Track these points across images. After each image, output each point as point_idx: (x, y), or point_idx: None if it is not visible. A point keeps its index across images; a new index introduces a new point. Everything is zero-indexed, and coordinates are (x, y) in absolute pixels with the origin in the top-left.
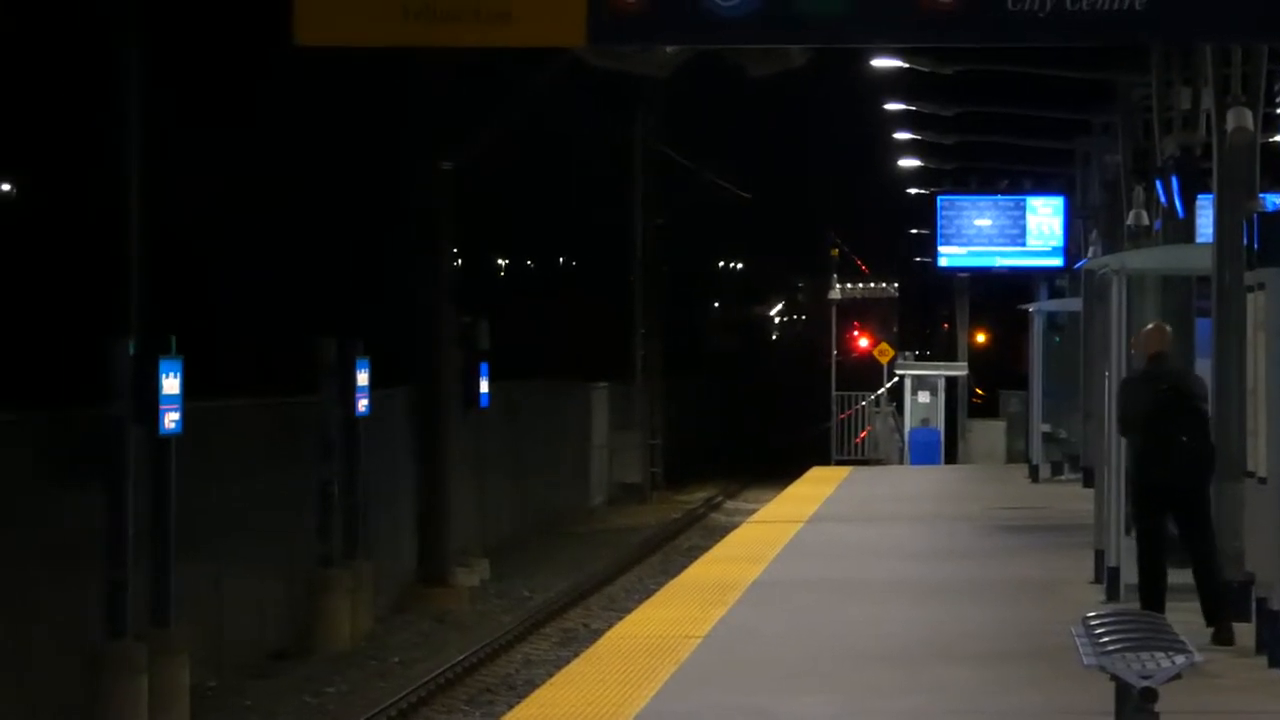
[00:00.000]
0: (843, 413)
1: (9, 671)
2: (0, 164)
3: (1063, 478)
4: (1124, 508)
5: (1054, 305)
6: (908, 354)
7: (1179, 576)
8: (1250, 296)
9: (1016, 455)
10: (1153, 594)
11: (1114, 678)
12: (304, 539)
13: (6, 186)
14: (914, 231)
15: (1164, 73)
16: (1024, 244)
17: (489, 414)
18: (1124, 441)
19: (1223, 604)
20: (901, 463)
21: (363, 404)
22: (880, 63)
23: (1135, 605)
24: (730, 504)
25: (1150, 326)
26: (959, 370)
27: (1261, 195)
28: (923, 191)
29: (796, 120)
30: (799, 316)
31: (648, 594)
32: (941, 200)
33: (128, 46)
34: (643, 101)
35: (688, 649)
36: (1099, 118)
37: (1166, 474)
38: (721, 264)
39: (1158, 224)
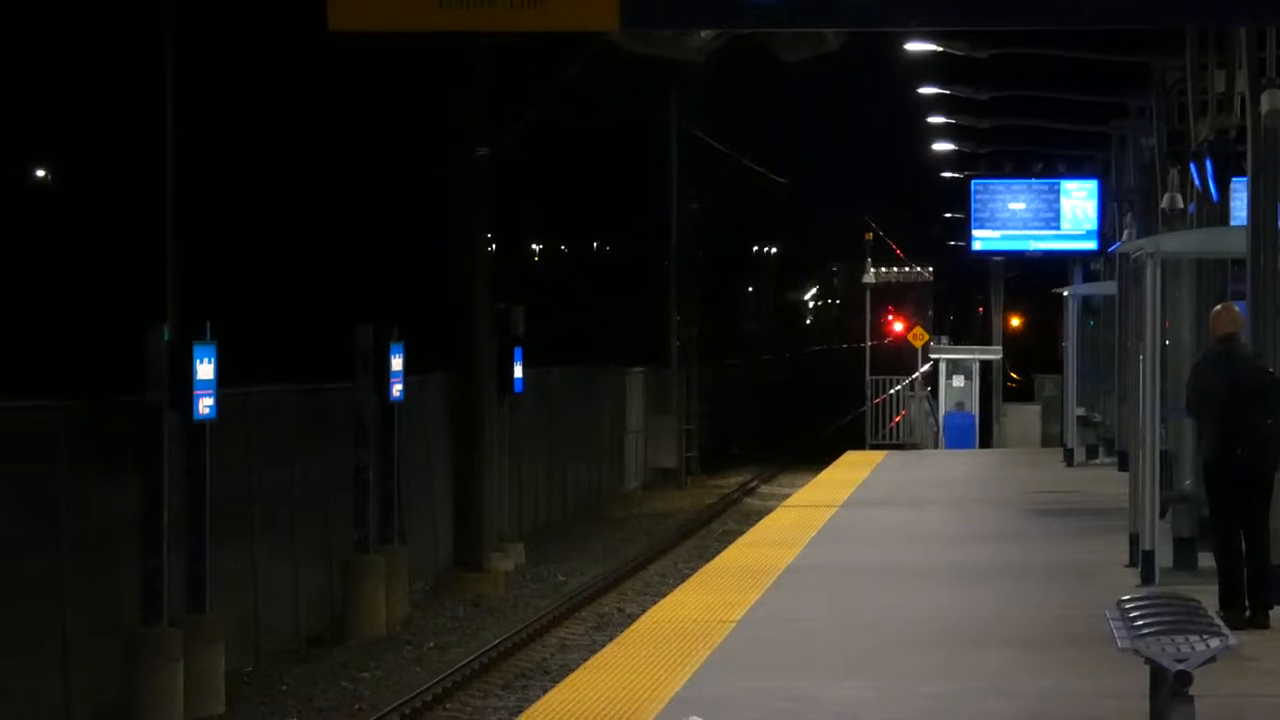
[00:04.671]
0: (877, 397)
1: (47, 658)
2: (35, 151)
3: (1098, 461)
4: (1158, 490)
5: (1089, 289)
6: (942, 338)
7: (1207, 560)
8: None
9: (1051, 439)
10: (1234, 592)
11: (1149, 661)
12: (340, 525)
13: (41, 173)
14: (948, 215)
15: (1199, 55)
16: (1058, 228)
17: (524, 399)
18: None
19: (1270, 588)
20: (936, 447)
21: (398, 389)
22: (914, 47)
23: (1170, 589)
24: (765, 488)
25: (1219, 308)
26: (994, 354)
27: None
28: (957, 175)
29: (831, 105)
30: (833, 301)
31: (682, 579)
32: (975, 184)
33: (165, 31)
34: (678, 87)
35: (722, 634)
36: (1133, 101)
37: (1247, 455)
38: (756, 248)
39: (1192, 207)
